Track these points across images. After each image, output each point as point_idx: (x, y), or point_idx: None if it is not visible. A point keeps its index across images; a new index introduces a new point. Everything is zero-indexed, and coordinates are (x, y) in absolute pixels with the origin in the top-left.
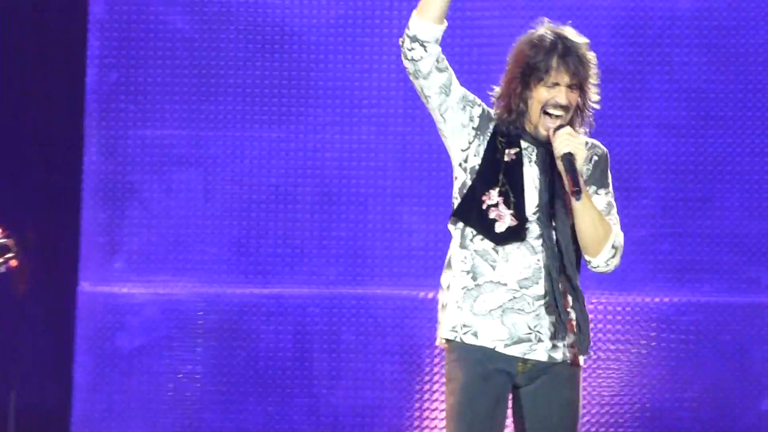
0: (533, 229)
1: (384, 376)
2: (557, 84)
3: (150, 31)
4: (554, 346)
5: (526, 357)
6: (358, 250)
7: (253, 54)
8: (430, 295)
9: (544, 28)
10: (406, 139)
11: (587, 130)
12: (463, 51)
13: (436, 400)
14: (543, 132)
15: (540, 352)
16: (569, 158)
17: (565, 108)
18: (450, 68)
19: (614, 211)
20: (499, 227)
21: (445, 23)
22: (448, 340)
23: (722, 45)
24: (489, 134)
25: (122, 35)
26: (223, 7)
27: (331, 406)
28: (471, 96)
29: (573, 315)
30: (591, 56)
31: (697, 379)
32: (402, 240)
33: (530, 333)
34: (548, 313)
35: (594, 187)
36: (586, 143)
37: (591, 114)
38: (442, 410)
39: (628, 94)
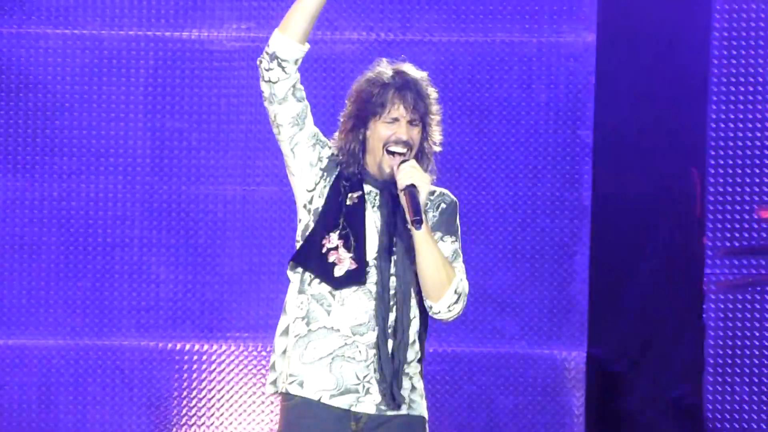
0: (373, 273)
1: (131, 429)
2: (396, 119)
3: None
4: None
5: (354, 409)
6: (104, 301)
7: None
8: (178, 346)
9: (381, 66)
10: (154, 189)
11: (433, 177)
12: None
13: None
14: (387, 169)
15: (368, 404)
16: (411, 190)
17: (407, 144)
18: (307, 101)
19: (460, 259)
20: (339, 271)
21: (307, 45)
22: (277, 393)
23: (466, 99)
24: (334, 177)
25: None
26: None
27: None
28: (323, 137)
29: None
30: (432, 91)
31: (445, 428)
32: (149, 291)
33: (358, 383)
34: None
35: (440, 234)
36: (434, 191)
37: (432, 160)
38: None
39: None
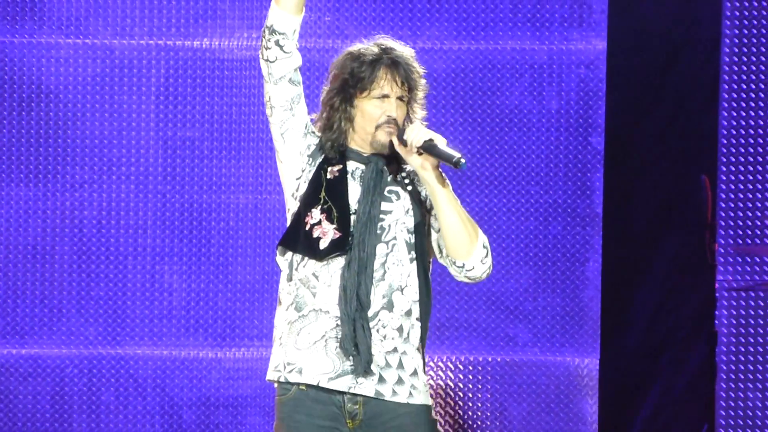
0: (355, 244)
1: None
2: (386, 96)
3: None
4: (382, 379)
5: (353, 391)
6: (118, 310)
7: (9, 112)
8: (192, 354)
9: (364, 43)
10: (166, 198)
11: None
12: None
13: None
14: (384, 139)
15: (367, 386)
16: (430, 144)
17: (395, 122)
18: (302, 88)
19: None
20: (323, 244)
21: (302, 13)
22: (277, 381)
23: (477, 107)
24: (319, 162)
25: None
26: None
27: None
28: (313, 126)
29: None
30: (418, 67)
31: None
32: (162, 299)
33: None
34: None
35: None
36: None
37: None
38: None
39: None
